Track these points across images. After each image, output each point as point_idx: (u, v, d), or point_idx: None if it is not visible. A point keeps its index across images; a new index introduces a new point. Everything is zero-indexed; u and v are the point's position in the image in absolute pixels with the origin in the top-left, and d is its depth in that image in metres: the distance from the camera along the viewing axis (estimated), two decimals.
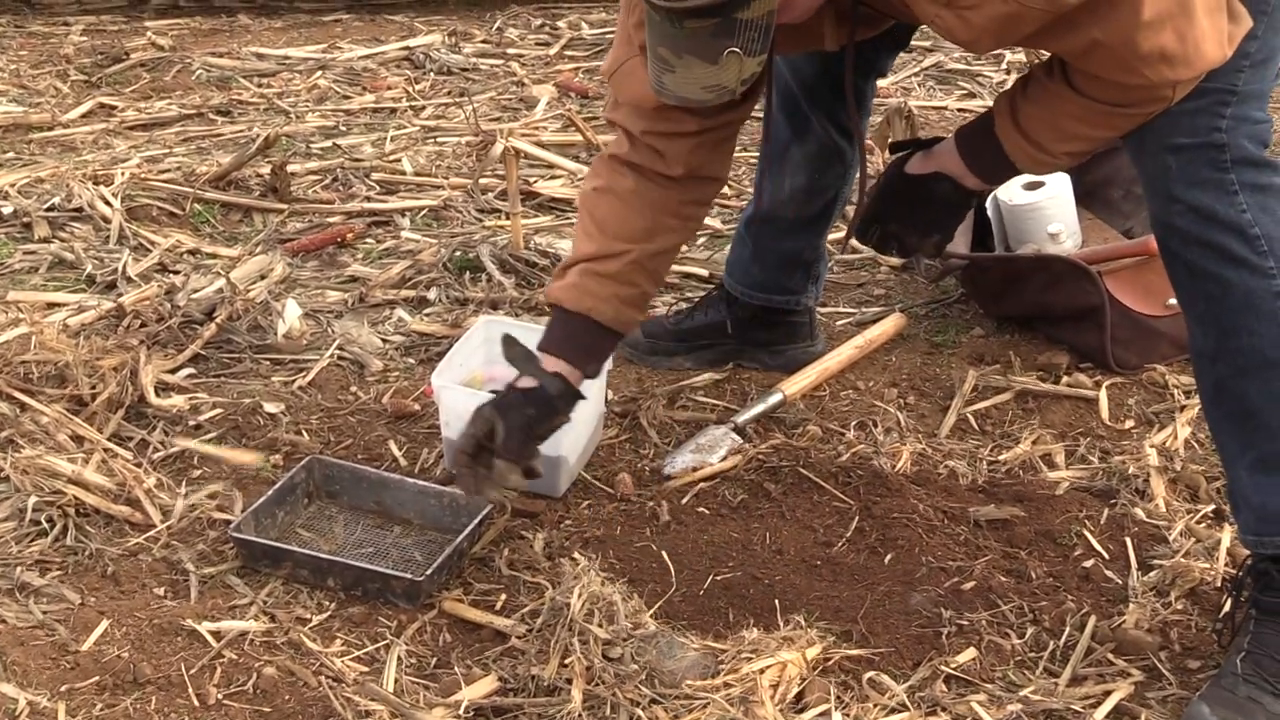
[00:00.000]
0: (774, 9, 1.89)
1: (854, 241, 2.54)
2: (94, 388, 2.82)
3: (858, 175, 2.56)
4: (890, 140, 3.67)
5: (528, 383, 2.39)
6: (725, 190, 3.98)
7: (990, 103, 2.61)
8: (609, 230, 2.41)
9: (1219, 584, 2.38)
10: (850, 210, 3.18)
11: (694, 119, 2.33)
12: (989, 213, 3.30)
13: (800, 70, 2.73)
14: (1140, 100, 2.04)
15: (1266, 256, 2.06)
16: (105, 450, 2.71)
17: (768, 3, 1.88)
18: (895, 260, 3.52)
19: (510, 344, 2.41)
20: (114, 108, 4.75)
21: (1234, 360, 2.10)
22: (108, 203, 3.83)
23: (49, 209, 3.83)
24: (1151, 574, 2.44)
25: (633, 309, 2.45)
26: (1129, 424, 2.88)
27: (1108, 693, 2.20)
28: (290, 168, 4.04)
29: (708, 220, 3.78)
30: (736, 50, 1.90)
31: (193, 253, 3.66)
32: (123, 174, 4.00)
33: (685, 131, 2.35)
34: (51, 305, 3.36)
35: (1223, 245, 2.07)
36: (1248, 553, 2.21)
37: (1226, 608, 2.25)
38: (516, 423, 2.36)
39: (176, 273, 3.52)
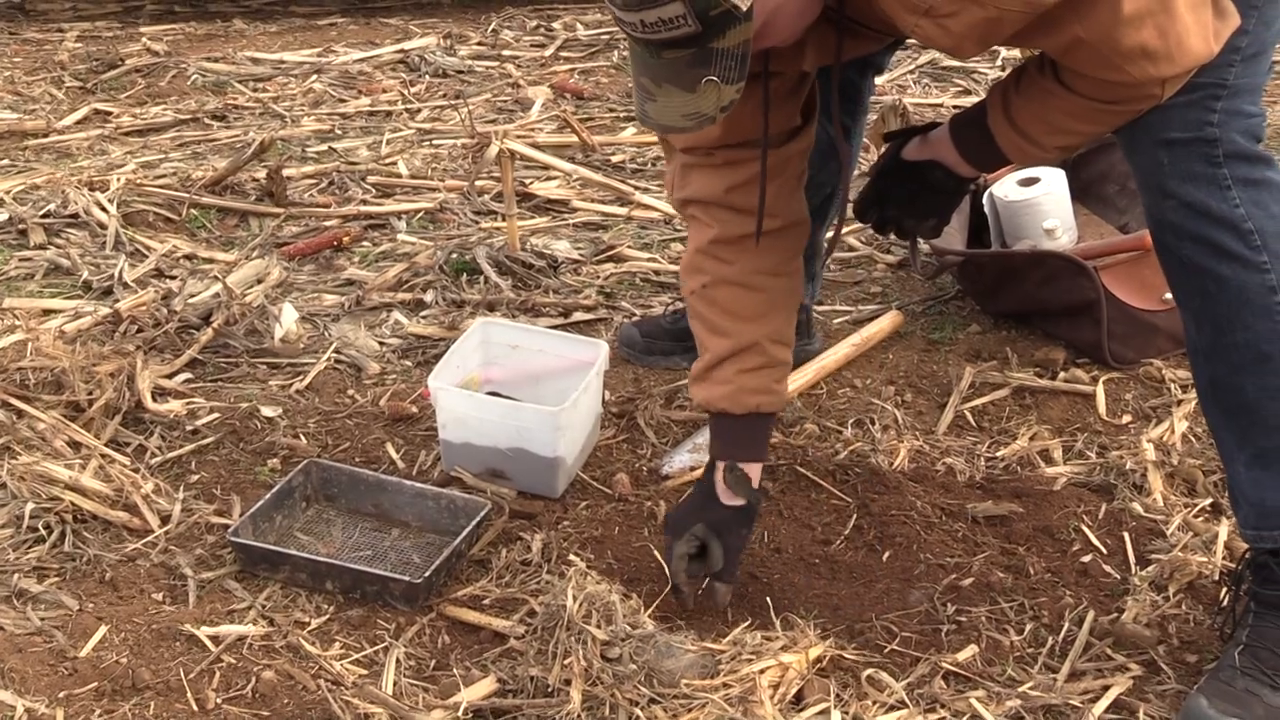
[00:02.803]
0: (749, 38, 1.90)
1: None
2: (91, 394, 2.82)
3: (849, 174, 2.56)
4: (885, 131, 3.67)
5: (738, 501, 2.36)
6: None
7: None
8: (742, 316, 2.36)
9: (1217, 578, 2.38)
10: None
11: (754, 157, 2.30)
12: (985, 209, 3.30)
13: None
14: (1128, 97, 2.04)
15: (1260, 251, 2.05)
16: (102, 456, 2.71)
17: (743, 32, 1.88)
18: (891, 258, 3.53)
19: (732, 469, 2.37)
20: (109, 114, 4.76)
21: (1229, 356, 2.10)
22: (103, 209, 3.84)
23: (45, 215, 3.84)
24: (1149, 568, 2.44)
25: (784, 382, 2.43)
26: (1126, 419, 2.88)
27: (1106, 687, 2.19)
28: (286, 172, 4.05)
29: None
30: (714, 79, 1.91)
31: (189, 258, 3.66)
32: (118, 180, 4.00)
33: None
34: (48, 312, 3.36)
35: (1216, 240, 2.06)
36: (1246, 546, 2.21)
37: (1225, 601, 2.25)
38: (735, 546, 2.35)
39: (173, 278, 3.52)
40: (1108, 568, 2.46)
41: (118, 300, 3.36)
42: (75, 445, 2.73)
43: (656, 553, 2.47)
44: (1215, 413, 2.17)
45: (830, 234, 2.96)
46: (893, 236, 2.59)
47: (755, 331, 2.36)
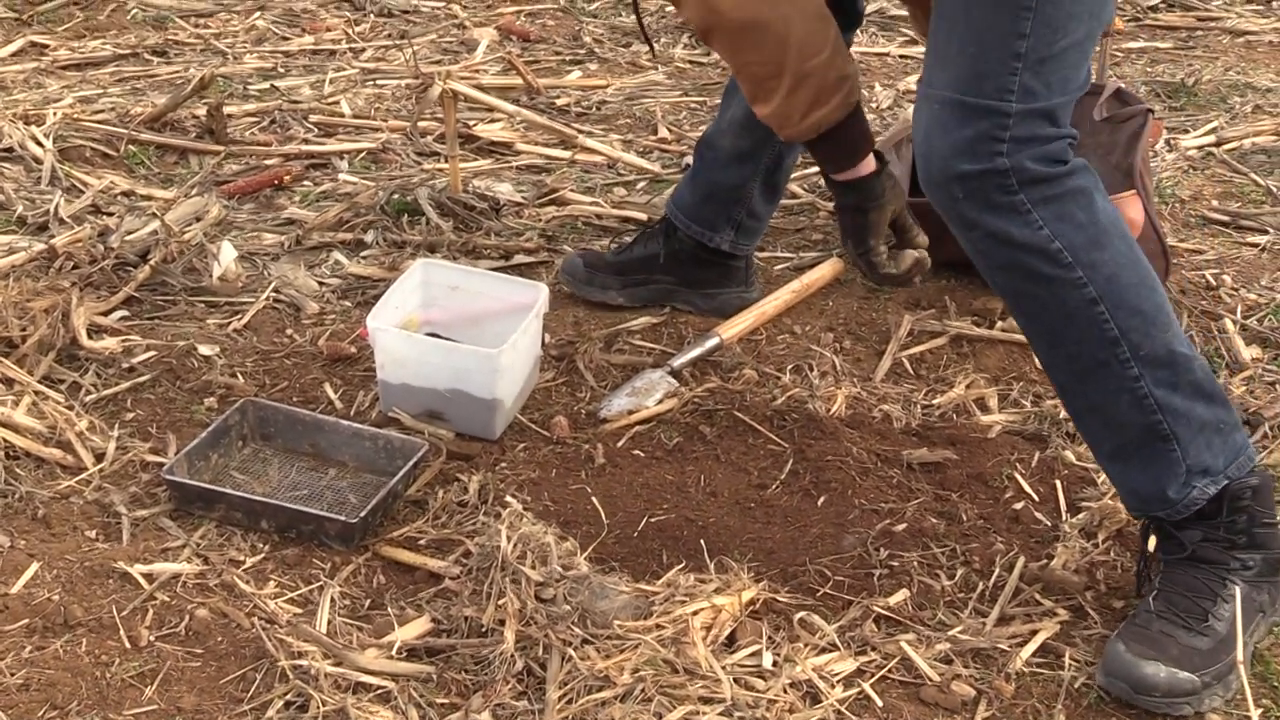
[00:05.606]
0: None
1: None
2: (24, 330, 2.78)
3: None
4: None
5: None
6: (665, 134, 3.99)
7: None
8: None
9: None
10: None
11: None
12: None
13: None
14: (706, 40, 2.25)
15: (1073, 267, 2.05)
16: (36, 392, 2.68)
17: None
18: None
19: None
20: (46, 46, 4.67)
21: (1068, 367, 2.13)
22: (39, 143, 3.78)
23: None
24: (1080, 516, 2.47)
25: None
26: None
27: (1034, 632, 2.23)
28: (227, 109, 4.00)
29: (647, 165, 3.79)
30: None
31: (127, 194, 3.62)
32: (55, 114, 3.93)
33: None
34: None
35: (1027, 265, 2.06)
36: None
37: (1150, 548, 2.28)
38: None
39: (110, 214, 3.47)
40: (1039, 515, 2.50)
41: (53, 236, 3.32)
42: (8, 382, 2.70)
43: (596, 500, 2.49)
44: (1074, 413, 2.21)
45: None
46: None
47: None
